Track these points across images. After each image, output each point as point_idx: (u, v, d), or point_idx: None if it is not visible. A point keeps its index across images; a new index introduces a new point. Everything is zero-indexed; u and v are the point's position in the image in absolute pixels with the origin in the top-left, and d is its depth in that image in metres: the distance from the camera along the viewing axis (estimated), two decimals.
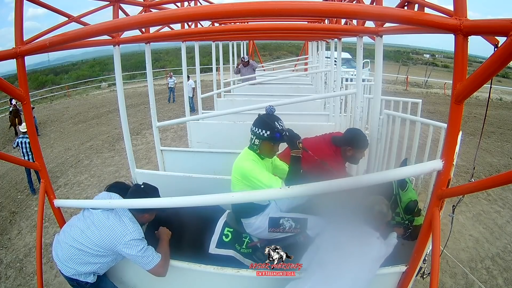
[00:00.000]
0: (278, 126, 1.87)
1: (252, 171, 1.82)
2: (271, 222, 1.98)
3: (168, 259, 1.77)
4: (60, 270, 1.73)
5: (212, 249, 1.97)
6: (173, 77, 13.96)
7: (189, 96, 10.42)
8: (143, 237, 1.73)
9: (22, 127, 6.08)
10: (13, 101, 10.09)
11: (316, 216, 2.00)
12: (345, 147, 2.30)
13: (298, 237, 2.01)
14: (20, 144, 5.93)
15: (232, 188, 1.96)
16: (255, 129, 1.90)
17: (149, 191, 1.84)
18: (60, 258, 1.72)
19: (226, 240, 2.01)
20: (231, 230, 2.04)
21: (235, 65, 8.24)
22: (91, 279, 1.74)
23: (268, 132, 1.86)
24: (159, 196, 1.86)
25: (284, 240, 1.99)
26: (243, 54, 9.03)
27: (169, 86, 13.89)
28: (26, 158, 5.82)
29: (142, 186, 1.86)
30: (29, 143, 5.84)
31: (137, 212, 1.78)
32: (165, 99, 13.99)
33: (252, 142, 1.93)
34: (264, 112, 1.94)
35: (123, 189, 1.95)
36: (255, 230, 2.02)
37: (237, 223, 2.07)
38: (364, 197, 1.76)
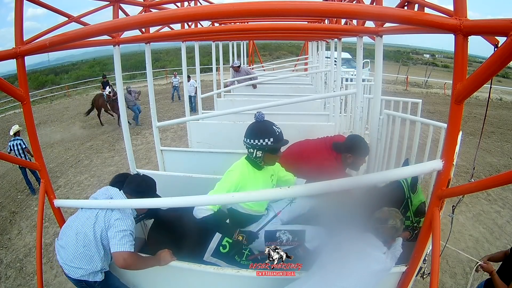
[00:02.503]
0: (276, 130, 1.81)
1: (224, 178, 1.80)
2: (267, 236, 1.90)
3: (138, 264, 1.71)
4: (67, 274, 1.72)
5: (207, 257, 1.93)
6: (177, 77, 13.98)
7: (191, 96, 10.45)
8: (133, 221, 1.75)
9: (13, 129, 5.93)
10: (107, 89, 10.10)
11: (315, 226, 1.93)
12: (345, 154, 2.28)
13: (296, 251, 1.91)
14: (12, 147, 5.83)
15: None
16: (252, 141, 1.78)
17: (147, 179, 1.96)
18: (66, 260, 1.71)
19: (223, 251, 1.93)
20: (231, 241, 1.95)
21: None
22: (99, 277, 1.74)
23: (271, 139, 1.77)
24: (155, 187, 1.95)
25: None
26: (233, 59, 8.71)
27: (174, 85, 13.92)
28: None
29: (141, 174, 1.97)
30: (20, 144, 5.79)
31: (130, 195, 1.85)
32: (167, 99, 14.00)
33: (254, 155, 1.82)
34: (254, 121, 1.84)
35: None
36: (252, 244, 1.94)
37: None
38: (378, 208, 1.70)
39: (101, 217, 1.71)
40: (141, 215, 1.98)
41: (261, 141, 1.77)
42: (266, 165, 1.89)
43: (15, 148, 5.82)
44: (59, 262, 1.73)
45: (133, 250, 1.68)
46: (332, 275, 1.49)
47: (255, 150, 1.80)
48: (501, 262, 2.27)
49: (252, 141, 1.79)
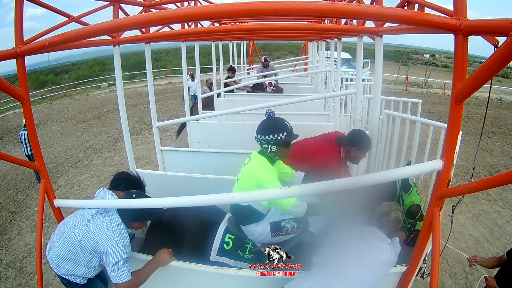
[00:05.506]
0: (288, 124, 1.88)
1: (269, 181, 1.80)
2: (273, 227, 1.96)
3: (141, 282, 1.67)
4: (52, 269, 1.74)
5: (213, 257, 1.94)
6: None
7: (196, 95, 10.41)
8: (128, 246, 1.66)
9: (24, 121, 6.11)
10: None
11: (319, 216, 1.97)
12: (349, 147, 2.35)
13: (302, 236, 1.98)
14: (20, 137, 6.36)
15: None
16: (267, 136, 1.85)
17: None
18: (51, 256, 1.72)
19: (227, 248, 1.96)
20: (233, 237, 1.99)
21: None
22: (80, 280, 1.73)
23: (285, 133, 1.85)
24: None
25: (290, 242, 1.97)
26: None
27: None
28: (24, 148, 6.33)
29: (134, 196, 1.80)
30: (27, 134, 6.06)
31: (127, 220, 1.74)
32: (167, 99, 14.02)
33: (268, 150, 1.88)
34: (265, 117, 1.92)
35: (129, 182, 1.95)
36: (258, 237, 1.98)
37: (238, 229, 2.03)
38: (370, 202, 1.74)
39: (91, 231, 1.62)
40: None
41: (276, 135, 1.85)
42: (279, 159, 1.96)
43: (22, 138, 6.32)
44: (46, 255, 1.75)
45: (131, 277, 1.62)
46: (339, 267, 1.50)
47: (270, 145, 1.87)
48: (498, 268, 2.27)
49: (266, 136, 1.86)
